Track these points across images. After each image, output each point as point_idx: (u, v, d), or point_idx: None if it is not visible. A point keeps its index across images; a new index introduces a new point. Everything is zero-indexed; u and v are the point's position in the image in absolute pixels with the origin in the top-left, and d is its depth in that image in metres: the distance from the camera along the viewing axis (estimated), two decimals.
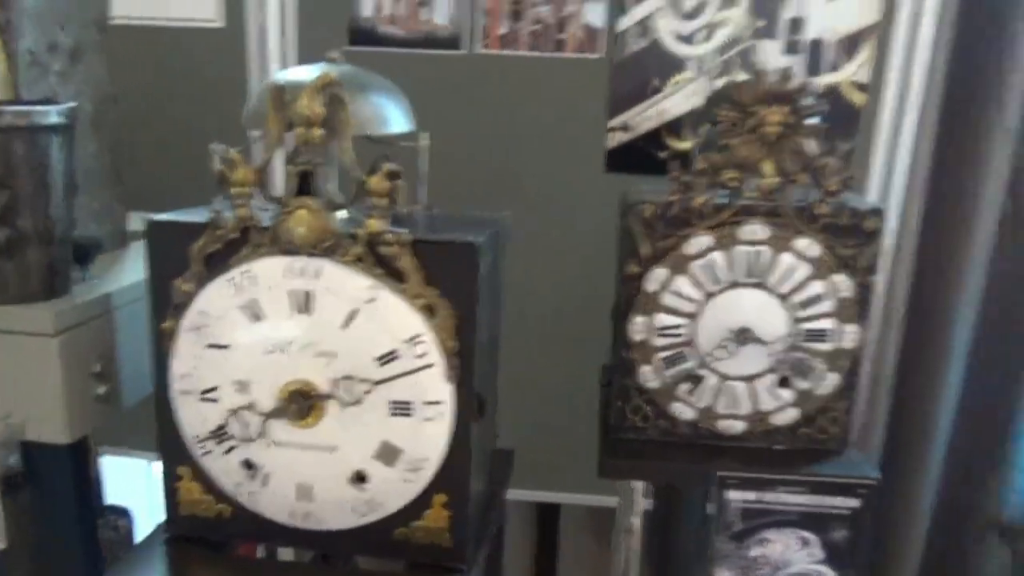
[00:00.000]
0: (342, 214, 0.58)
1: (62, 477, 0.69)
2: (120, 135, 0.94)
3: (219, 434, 0.61)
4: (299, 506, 0.62)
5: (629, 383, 0.82)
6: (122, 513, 1.12)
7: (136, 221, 0.95)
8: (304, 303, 0.58)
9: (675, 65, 1.27)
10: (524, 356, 1.14)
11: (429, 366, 0.58)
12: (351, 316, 0.58)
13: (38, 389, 0.65)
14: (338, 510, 0.62)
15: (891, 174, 1.20)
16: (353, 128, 0.55)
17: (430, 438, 0.60)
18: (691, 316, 0.79)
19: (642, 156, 1.31)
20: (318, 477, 0.61)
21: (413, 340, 0.58)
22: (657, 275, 0.78)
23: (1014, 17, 1.09)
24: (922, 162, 1.17)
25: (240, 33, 1.31)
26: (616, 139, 1.32)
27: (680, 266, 0.78)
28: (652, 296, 0.79)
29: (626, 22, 1.26)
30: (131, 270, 0.77)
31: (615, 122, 1.31)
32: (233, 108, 1.28)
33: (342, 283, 0.57)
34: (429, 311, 0.57)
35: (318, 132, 0.55)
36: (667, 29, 1.25)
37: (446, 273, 0.57)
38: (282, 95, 0.55)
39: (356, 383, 0.57)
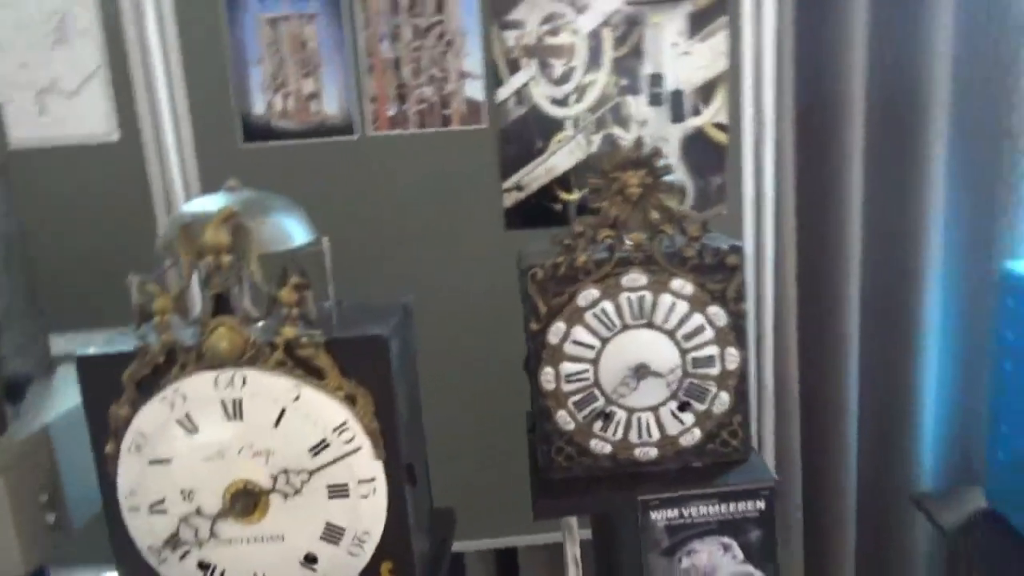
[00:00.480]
0: (258, 325, 0.65)
1: None
2: (33, 265, 0.97)
3: (172, 542, 0.66)
4: None
5: (549, 427, 0.90)
6: None
7: (59, 343, 0.98)
8: (235, 410, 0.64)
9: (554, 126, 1.39)
10: (451, 419, 1.21)
11: (357, 449, 0.65)
12: (280, 415, 0.64)
13: None
14: None
15: (760, 199, 1.34)
16: (259, 249, 0.62)
17: (368, 513, 0.66)
18: (592, 361, 0.88)
19: (537, 211, 1.42)
20: (271, 566, 0.66)
21: (339, 428, 0.64)
22: (557, 329, 0.87)
23: (849, 46, 1.26)
24: (787, 183, 1.32)
25: (136, 144, 1.35)
26: (512, 198, 1.42)
27: (575, 318, 0.87)
28: (555, 348, 0.88)
29: (504, 93, 1.37)
30: (63, 396, 0.81)
31: (508, 183, 1.42)
32: (139, 220, 1.33)
33: (267, 387, 0.63)
34: (350, 400, 0.64)
35: (227, 259, 0.61)
36: (542, 95, 1.37)
37: (360, 364, 0.64)
38: (189, 231, 0.61)
39: (294, 475, 0.63)
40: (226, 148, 1.37)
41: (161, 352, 0.63)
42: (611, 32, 1.36)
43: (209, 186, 1.37)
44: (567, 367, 0.88)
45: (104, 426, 0.65)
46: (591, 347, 0.87)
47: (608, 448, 0.90)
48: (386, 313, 0.70)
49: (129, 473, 0.65)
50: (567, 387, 0.89)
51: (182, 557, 0.67)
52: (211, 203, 0.67)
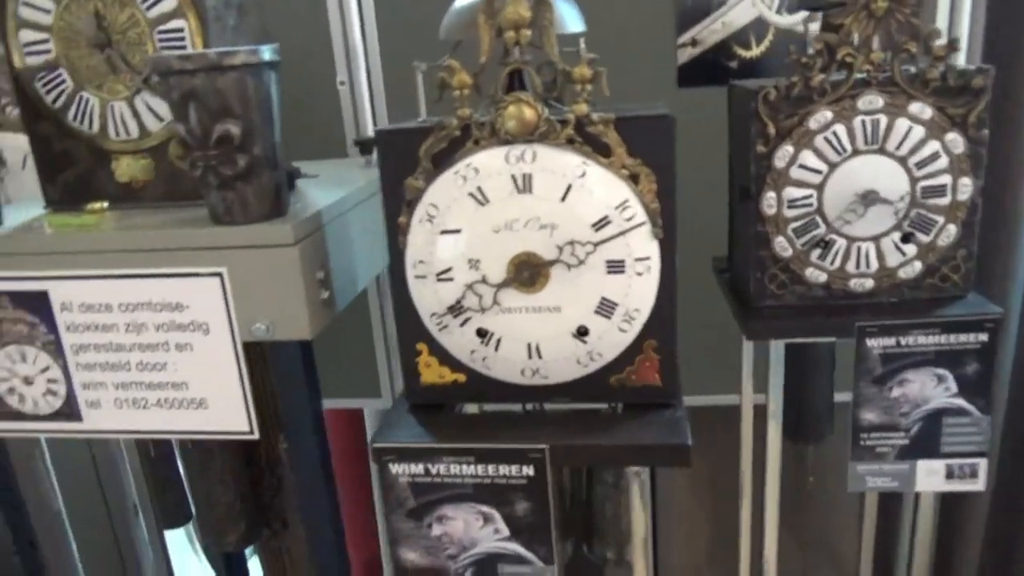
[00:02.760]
0: (549, 102, 0.68)
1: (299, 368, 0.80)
2: None
3: (455, 309, 0.71)
4: (529, 364, 0.73)
5: (764, 254, 0.92)
6: None
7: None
8: (524, 184, 0.67)
9: None
10: None
11: (637, 226, 0.68)
12: (567, 190, 0.67)
13: (283, 294, 0.75)
14: (564, 364, 0.72)
15: None
16: (555, 27, 0.64)
17: (641, 290, 0.70)
18: (817, 187, 0.88)
19: (713, 68, 1.39)
20: (544, 335, 0.71)
21: (621, 205, 0.68)
22: (784, 152, 0.87)
23: None
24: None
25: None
26: (687, 54, 1.40)
27: (804, 141, 0.86)
28: (780, 172, 0.88)
29: None
30: (319, 194, 0.87)
31: (683, 38, 1.39)
32: (322, 66, 1.36)
33: (556, 163, 0.67)
34: (633, 179, 0.67)
35: (526, 33, 0.64)
36: None
37: (646, 143, 0.66)
38: (492, 5, 0.63)
39: (579, 246, 0.67)
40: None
41: (458, 127, 0.67)
42: None
43: (389, 36, 1.40)
44: (791, 192, 0.88)
45: (398, 199, 0.70)
46: (818, 172, 0.86)
47: (823, 277, 0.91)
48: (648, 105, 0.72)
49: (419, 243, 0.70)
50: (788, 212, 0.89)
51: (463, 324, 0.72)
52: None
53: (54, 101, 0.86)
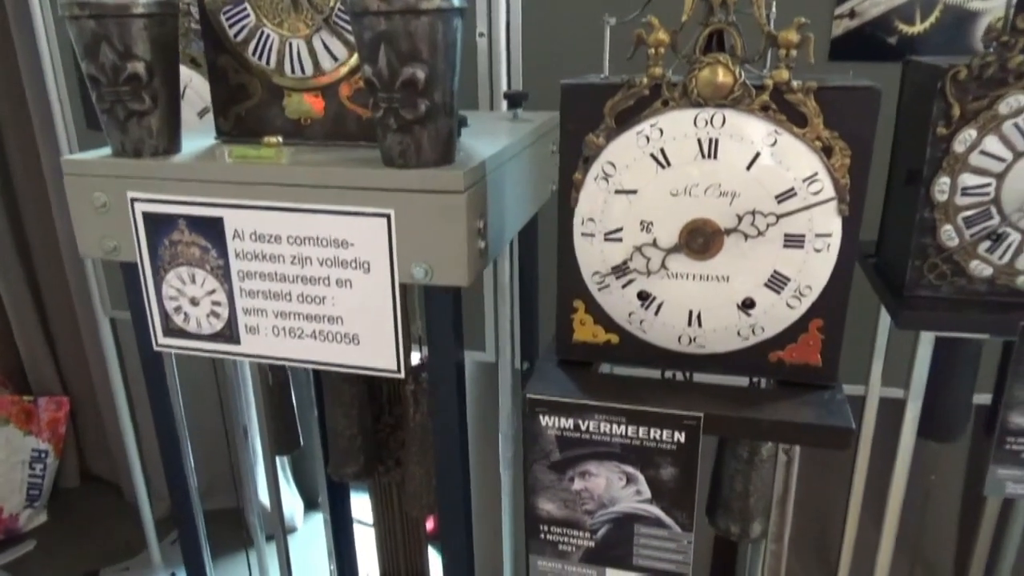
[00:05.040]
0: (747, 65, 0.66)
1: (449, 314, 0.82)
2: None
3: (620, 270, 0.71)
4: (688, 331, 0.72)
5: (928, 242, 0.88)
6: None
7: None
8: (710, 149, 0.66)
9: None
10: None
11: (824, 202, 0.66)
12: (754, 158, 0.66)
13: (446, 239, 0.77)
14: (724, 334, 0.71)
15: None
16: None
17: (817, 267, 0.68)
18: (998, 176, 0.83)
19: (870, 42, 1.32)
20: (708, 305, 0.71)
21: (810, 179, 0.65)
22: (966, 136, 0.82)
23: None
24: None
25: None
26: (843, 26, 1.33)
27: (991, 126, 0.81)
28: (959, 156, 0.83)
29: None
30: (477, 144, 0.88)
31: (842, 9, 1.32)
32: None
33: (746, 129, 0.65)
34: (826, 152, 0.65)
35: None
36: None
37: (846, 116, 0.64)
38: None
39: (761, 217, 0.65)
40: None
41: (648, 85, 0.66)
42: None
43: None
44: (967, 179, 0.83)
45: (575, 154, 0.70)
46: (1001, 160, 0.81)
47: (988, 271, 0.87)
48: (843, 75, 0.69)
49: (591, 200, 0.70)
50: (961, 200, 0.85)
51: (625, 285, 0.72)
52: None
53: (236, 35, 0.89)
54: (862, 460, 1.12)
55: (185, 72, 1.32)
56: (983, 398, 1.05)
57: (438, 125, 0.75)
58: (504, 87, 1.47)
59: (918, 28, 1.30)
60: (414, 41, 0.71)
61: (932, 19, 1.29)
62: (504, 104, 1.21)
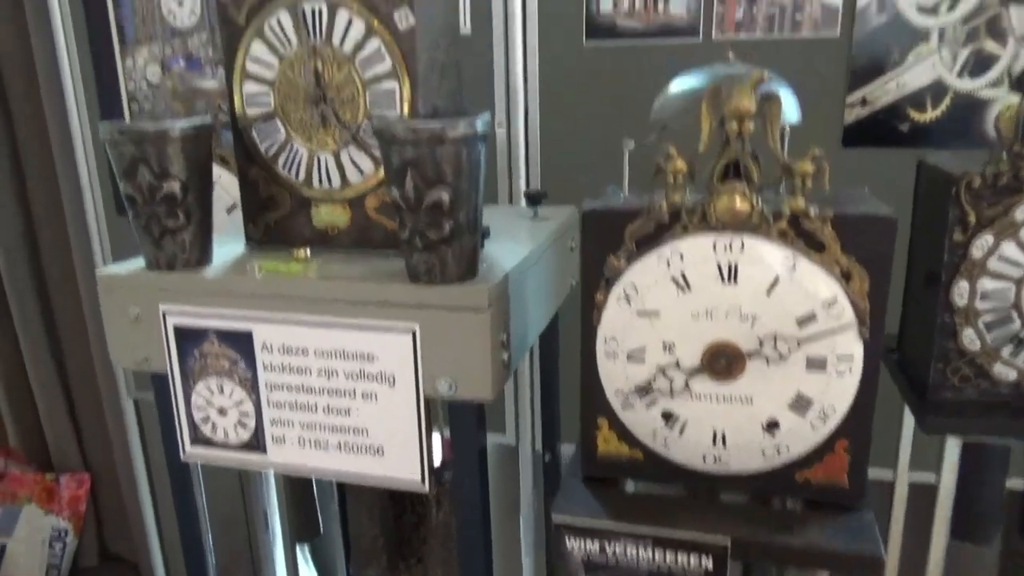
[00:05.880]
0: (763, 193, 0.67)
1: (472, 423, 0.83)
2: None
3: (644, 390, 0.72)
4: (712, 451, 0.72)
5: (950, 345, 0.87)
6: None
7: None
8: (730, 274, 0.67)
9: (916, 37, 1.30)
10: None
11: (844, 326, 0.66)
12: (774, 283, 0.67)
13: (470, 354, 0.78)
14: (748, 454, 0.71)
15: None
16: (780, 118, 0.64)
17: (840, 389, 0.68)
18: (1017, 281, 0.83)
19: (882, 129, 1.35)
20: (733, 425, 0.71)
21: (830, 303, 0.66)
22: (983, 242, 0.83)
23: None
24: None
25: (486, 37, 1.43)
26: (855, 114, 1.36)
27: (1007, 232, 0.82)
28: (977, 262, 0.84)
29: None
30: (499, 251, 0.90)
31: (853, 97, 1.35)
32: (479, 107, 1.42)
33: (765, 255, 0.66)
34: (845, 277, 0.66)
35: (749, 125, 0.64)
36: (908, 2, 1.28)
37: (863, 242, 0.65)
38: (718, 94, 0.64)
39: (782, 341, 0.66)
40: (569, 45, 1.42)
41: (667, 212, 0.67)
42: None
43: (549, 81, 1.44)
44: (986, 284, 0.84)
45: (596, 275, 0.71)
46: (1019, 265, 0.82)
47: (1013, 375, 0.86)
48: (860, 197, 0.70)
49: (614, 321, 0.71)
50: (981, 305, 0.85)
51: (649, 405, 0.73)
52: (709, 75, 0.69)
53: (267, 149, 0.93)
54: (892, 558, 1.09)
55: (214, 169, 1.37)
56: (1016, 482, 1.03)
57: (462, 243, 0.77)
58: (523, 176, 1.50)
59: (929, 116, 1.33)
60: (440, 167, 0.73)
61: (943, 107, 1.31)
62: (523, 199, 1.24)
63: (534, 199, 1.10)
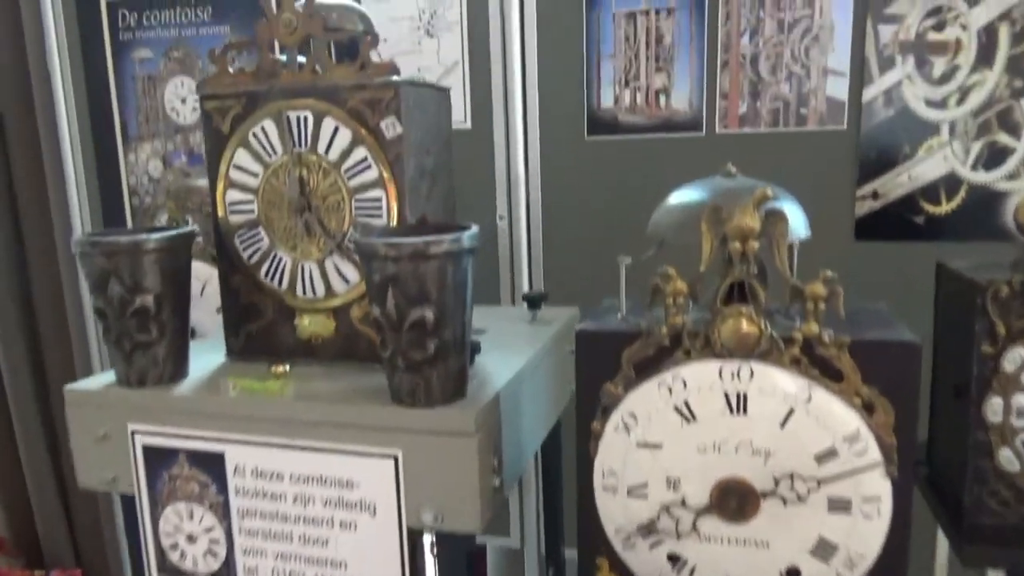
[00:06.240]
0: (773, 317, 0.62)
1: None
2: None
3: (647, 529, 0.64)
4: None
5: (986, 465, 0.80)
6: None
7: None
8: (738, 404, 0.61)
9: (926, 130, 1.26)
10: None
11: (869, 464, 0.59)
12: (788, 415, 0.60)
13: (457, 482, 0.71)
14: None
15: None
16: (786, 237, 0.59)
17: (868, 534, 0.60)
18: None
19: (895, 222, 1.30)
20: (748, 572, 0.63)
21: (851, 438, 0.59)
22: (1015, 355, 0.76)
23: None
24: None
25: (487, 132, 1.41)
26: (866, 207, 1.31)
27: None
28: (1010, 377, 0.77)
29: (871, 92, 1.27)
30: (491, 363, 0.84)
31: (864, 190, 1.31)
32: (481, 200, 1.40)
33: (777, 384, 0.60)
34: (867, 409, 0.59)
35: (754, 245, 0.59)
36: (915, 95, 1.25)
37: (885, 371, 0.58)
38: (718, 213, 0.59)
39: (800, 481, 0.59)
40: (570, 140, 1.40)
41: (668, 335, 0.62)
42: (1009, 27, 1.22)
43: (551, 175, 1.41)
44: (1022, 400, 0.77)
45: (592, 402, 0.65)
46: None
47: None
48: (882, 318, 0.64)
49: (612, 452, 0.65)
50: (1018, 422, 0.77)
51: (653, 546, 0.65)
52: (708, 190, 0.64)
53: (250, 257, 0.89)
54: None
55: (206, 270, 1.34)
56: None
57: (448, 363, 0.72)
58: (525, 271, 1.46)
59: (944, 208, 1.28)
60: (423, 283, 0.68)
61: (958, 200, 1.26)
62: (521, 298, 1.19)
63: (533, 302, 1.05)
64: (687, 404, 0.62)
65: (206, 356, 0.93)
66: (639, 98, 1.39)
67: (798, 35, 1.32)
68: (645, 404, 0.63)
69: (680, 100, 1.37)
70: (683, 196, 0.67)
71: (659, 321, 0.62)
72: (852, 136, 1.30)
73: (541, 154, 1.43)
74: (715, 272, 0.62)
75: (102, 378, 0.87)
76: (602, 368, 0.65)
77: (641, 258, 0.66)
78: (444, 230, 0.71)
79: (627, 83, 1.40)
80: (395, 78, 0.81)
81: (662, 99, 1.38)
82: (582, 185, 1.41)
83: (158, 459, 0.82)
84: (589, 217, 1.40)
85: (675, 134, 1.38)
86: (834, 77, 1.31)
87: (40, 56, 1.60)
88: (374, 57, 0.82)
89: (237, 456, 0.79)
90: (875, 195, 1.31)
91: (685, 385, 0.62)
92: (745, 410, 0.61)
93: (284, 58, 0.86)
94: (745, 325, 0.60)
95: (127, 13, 1.61)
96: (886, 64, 1.27)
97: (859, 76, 1.28)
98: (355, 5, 0.93)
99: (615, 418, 0.65)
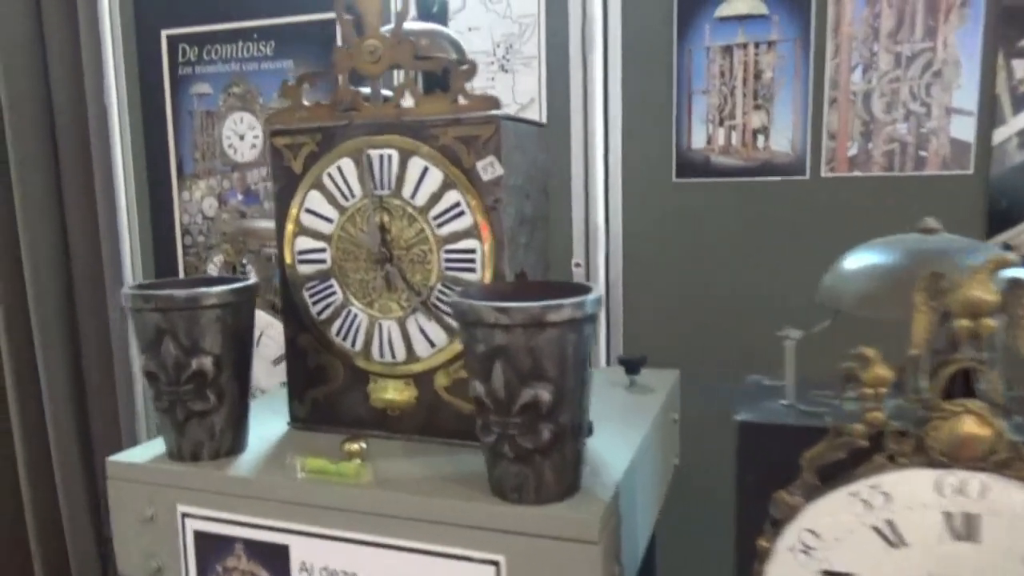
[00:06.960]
0: (1013, 418, 0.47)
1: None
2: None
3: None
4: None
5: None
6: None
7: None
8: (965, 527, 0.46)
9: None
10: None
11: None
12: None
13: None
14: None
15: None
16: None
17: None
18: None
19: None
20: None
21: None
22: None
23: None
24: None
25: (565, 171, 1.30)
26: None
27: None
28: None
29: (1004, 133, 1.13)
30: (606, 452, 0.71)
31: (995, 241, 1.16)
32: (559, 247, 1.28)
33: (1019, 504, 0.46)
34: None
35: (989, 323, 0.45)
36: None
37: None
38: (938, 282, 0.46)
39: None
40: (656, 182, 1.28)
41: (865, 434, 0.48)
42: None
43: (633, 221, 1.29)
44: None
45: (758, 511, 0.51)
46: None
47: None
48: None
49: None
50: None
51: None
52: (902, 251, 0.51)
53: (320, 312, 0.77)
54: None
55: (264, 319, 1.24)
56: None
57: (564, 452, 0.59)
58: (603, 326, 1.33)
59: None
60: (539, 358, 0.56)
61: None
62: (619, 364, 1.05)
63: (631, 367, 0.92)
64: (891, 524, 0.48)
65: (265, 422, 0.81)
66: (734, 138, 1.27)
67: (917, 71, 1.19)
68: (832, 520, 0.49)
69: (781, 141, 1.24)
70: (867, 258, 0.53)
71: (851, 416, 0.48)
72: (980, 182, 1.15)
73: (624, 197, 1.31)
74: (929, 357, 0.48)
75: (150, 448, 0.76)
76: (771, 471, 0.51)
77: (813, 331, 0.52)
78: (550, 290, 0.59)
79: (721, 122, 1.28)
80: (495, 112, 0.70)
81: (760, 139, 1.26)
82: (667, 232, 1.28)
83: (211, 548, 0.69)
84: (674, 266, 1.27)
85: (774, 177, 1.24)
86: (959, 116, 1.17)
87: (98, 91, 1.54)
88: (468, 88, 0.71)
89: (304, 550, 0.66)
90: (1007, 247, 1.16)
91: (889, 499, 0.48)
92: (975, 536, 0.46)
93: (365, 90, 0.76)
94: (974, 426, 0.46)
95: (187, 47, 1.55)
96: (1020, 102, 1.13)
97: (989, 115, 1.14)
98: (446, 30, 0.83)
99: (790, 535, 0.51)
